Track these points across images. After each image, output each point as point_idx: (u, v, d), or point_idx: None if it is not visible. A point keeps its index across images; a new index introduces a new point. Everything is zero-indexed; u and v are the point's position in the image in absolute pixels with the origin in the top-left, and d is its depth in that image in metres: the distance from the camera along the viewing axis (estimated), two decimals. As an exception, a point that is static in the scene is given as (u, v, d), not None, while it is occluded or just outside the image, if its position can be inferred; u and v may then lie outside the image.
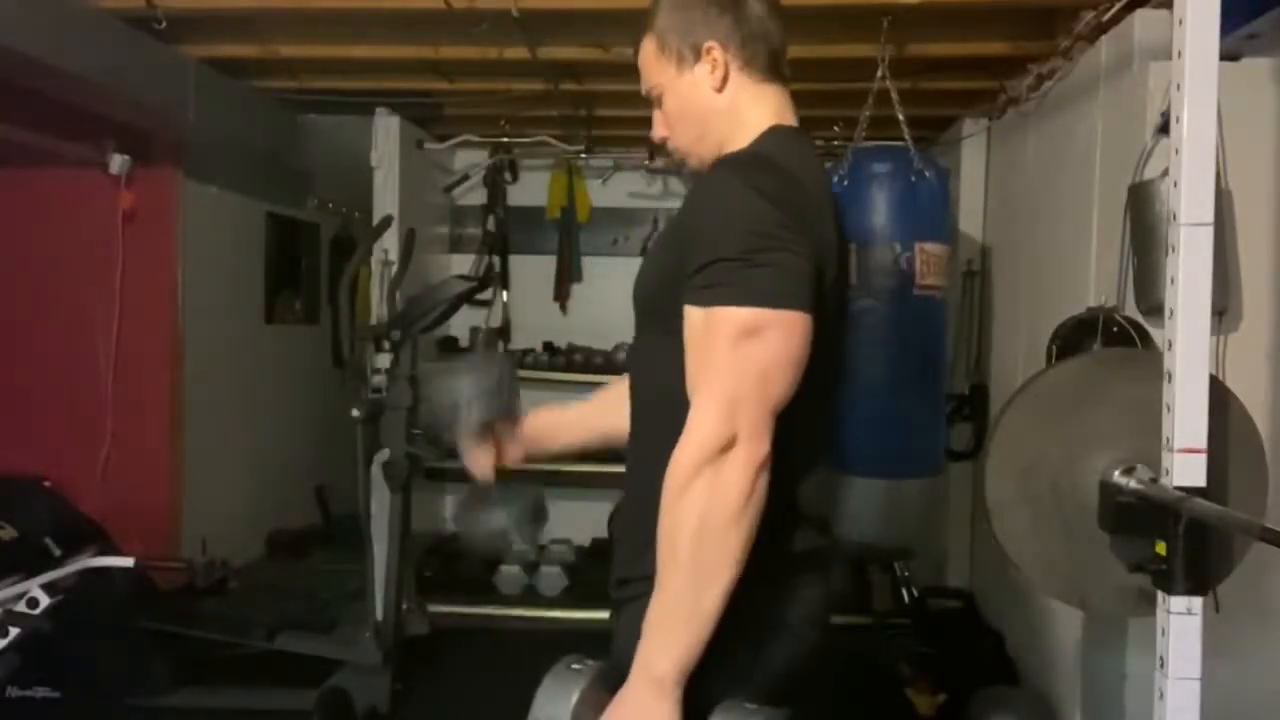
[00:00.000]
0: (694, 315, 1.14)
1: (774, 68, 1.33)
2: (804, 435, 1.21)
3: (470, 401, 1.41)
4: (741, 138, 1.29)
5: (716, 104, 1.31)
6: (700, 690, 1.11)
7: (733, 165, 1.22)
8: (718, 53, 1.30)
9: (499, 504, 1.43)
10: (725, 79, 1.30)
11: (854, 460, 2.80)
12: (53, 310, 3.89)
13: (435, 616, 3.42)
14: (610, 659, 1.21)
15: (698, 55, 1.30)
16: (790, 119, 1.33)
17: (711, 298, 1.12)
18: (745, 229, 1.11)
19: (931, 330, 2.99)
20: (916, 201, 2.87)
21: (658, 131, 1.39)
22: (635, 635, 1.12)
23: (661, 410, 1.20)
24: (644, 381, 1.32)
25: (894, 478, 2.89)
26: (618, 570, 1.29)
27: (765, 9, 1.32)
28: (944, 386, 3.17)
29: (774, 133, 1.29)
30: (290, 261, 4.97)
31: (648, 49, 1.35)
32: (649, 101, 1.39)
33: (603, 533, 4.47)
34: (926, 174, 2.88)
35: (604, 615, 1.39)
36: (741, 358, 1.09)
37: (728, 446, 1.07)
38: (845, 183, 2.88)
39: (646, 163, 4.60)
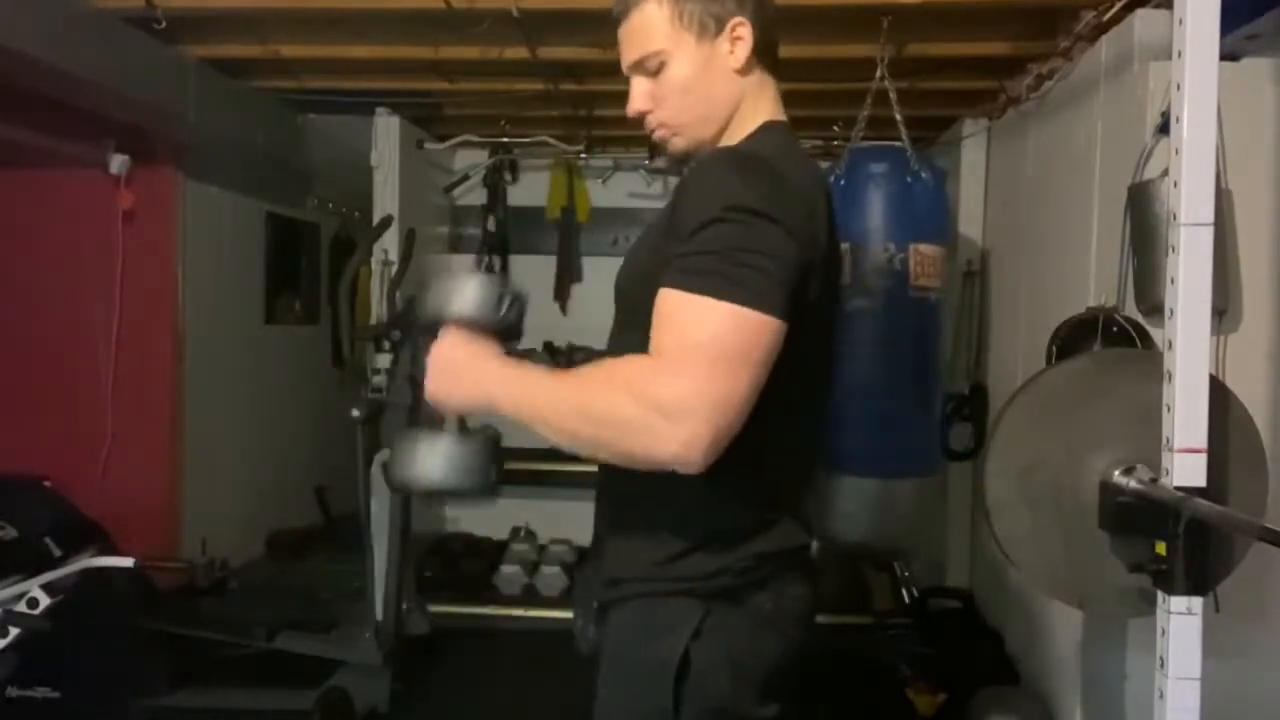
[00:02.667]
0: (671, 296, 1.08)
1: (776, 60, 1.29)
2: (792, 434, 1.20)
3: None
4: (741, 130, 1.25)
5: (732, 87, 1.24)
6: (700, 689, 1.11)
7: (729, 163, 1.17)
8: (745, 31, 1.21)
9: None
10: (749, 63, 1.23)
11: (847, 459, 2.80)
12: (53, 310, 3.88)
13: (435, 616, 3.41)
14: (601, 663, 1.21)
15: (720, 28, 1.21)
16: (783, 114, 1.29)
17: (696, 285, 1.06)
18: (736, 227, 1.07)
19: (926, 331, 2.99)
20: (912, 202, 2.88)
21: (640, 104, 1.27)
22: (626, 635, 1.12)
23: None
24: None
25: (888, 478, 2.90)
26: (609, 570, 1.27)
27: None
28: (939, 387, 3.17)
29: (770, 131, 1.25)
30: (290, 261, 4.96)
31: (658, 11, 1.22)
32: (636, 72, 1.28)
33: (603, 533, 4.47)
34: (923, 175, 2.88)
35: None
36: (715, 352, 1.04)
37: (679, 418, 1.02)
38: (842, 182, 2.88)
39: (646, 163, 4.59)
